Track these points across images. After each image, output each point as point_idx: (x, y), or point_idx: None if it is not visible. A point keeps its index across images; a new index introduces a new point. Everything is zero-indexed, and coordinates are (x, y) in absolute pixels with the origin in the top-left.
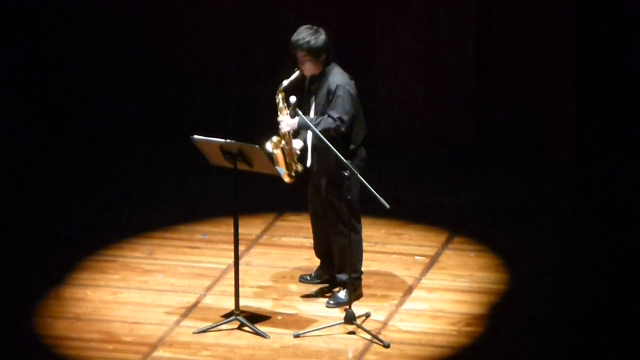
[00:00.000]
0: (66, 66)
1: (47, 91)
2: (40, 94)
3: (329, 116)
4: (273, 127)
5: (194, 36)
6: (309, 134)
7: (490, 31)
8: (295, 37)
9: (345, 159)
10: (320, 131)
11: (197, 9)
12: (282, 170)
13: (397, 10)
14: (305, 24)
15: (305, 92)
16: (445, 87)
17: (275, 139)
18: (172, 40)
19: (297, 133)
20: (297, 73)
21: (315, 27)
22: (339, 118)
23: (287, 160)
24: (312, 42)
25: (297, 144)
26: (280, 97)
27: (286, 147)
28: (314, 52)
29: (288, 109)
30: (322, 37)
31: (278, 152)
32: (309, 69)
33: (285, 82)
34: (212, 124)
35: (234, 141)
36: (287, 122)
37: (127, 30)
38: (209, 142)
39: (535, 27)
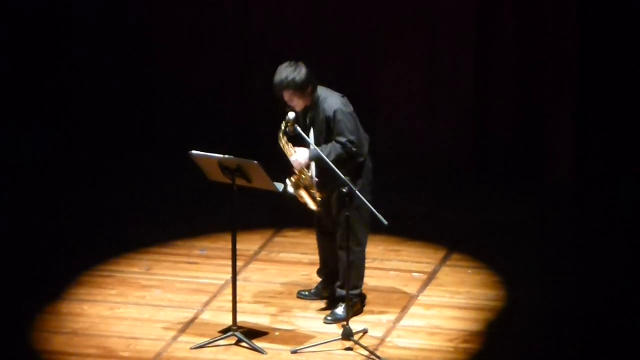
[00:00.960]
0: (67, 85)
1: (52, 107)
2: (43, 110)
3: (337, 142)
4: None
5: (197, 53)
6: (313, 165)
7: (489, 52)
8: (277, 78)
9: (355, 171)
10: (333, 158)
11: (203, 27)
12: (280, 185)
13: (397, 34)
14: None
15: (301, 126)
16: (445, 106)
17: (293, 178)
18: (175, 57)
19: (308, 165)
20: (290, 114)
21: (293, 62)
22: (348, 140)
23: (311, 191)
24: (297, 77)
25: (311, 171)
26: (283, 141)
27: (305, 181)
28: (300, 87)
29: (292, 146)
30: (303, 69)
31: (301, 191)
32: (299, 104)
33: (283, 126)
34: (211, 140)
35: (232, 157)
36: (299, 159)
37: (134, 41)
38: (208, 157)
39: (535, 46)
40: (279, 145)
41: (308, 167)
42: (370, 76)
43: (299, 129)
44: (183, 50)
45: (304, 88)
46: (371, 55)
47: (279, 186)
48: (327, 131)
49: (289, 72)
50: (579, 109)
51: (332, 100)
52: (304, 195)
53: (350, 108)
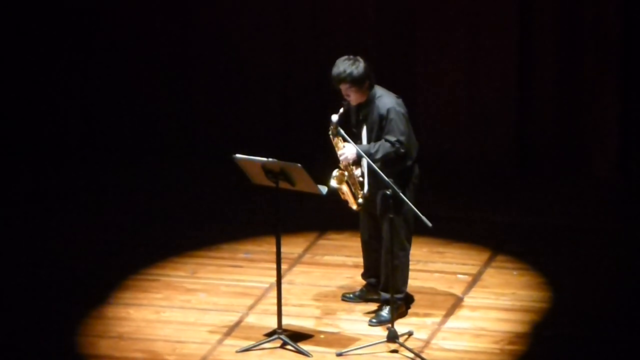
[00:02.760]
0: (108, 83)
1: (87, 109)
2: (79, 112)
3: (387, 140)
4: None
5: (238, 56)
6: (364, 160)
7: (533, 49)
8: (335, 70)
9: (402, 176)
10: (381, 156)
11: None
12: (324, 188)
13: (437, 28)
14: (346, 53)
15: (354, 121)
16: (487, 105)
17: (337, 172)
18: (216, 60)
19: (357, 162)
20: (344, 106)
21: (352, 57)
22: (397, 141)
23: (353, 190)
24: (354, 72)
25: (358, 171)
26: (332, 129)
27: (350, 178)
28: (357, 82)
29: (342, 141)
30: (361, 65)
31: (344, 187)
32: (355, 98)
33: (335, 117)
34: (256, 144)
35: (275, 160)
36: (347, 154)
37: (166, 46)
38: (251, 161)
39: (577, 44)
40: (329, 136)
41: (355, 164)
42: (409, 72)
43: (342, 132)
44: (225, 51)
45: (361, 83)
46: (411, 50)
47: (323, 189)
48: (378, 129)
49: (347, 65)
50: (624, 105)
51: (387, 100)
52: (346, 191)
53: (404, 109)
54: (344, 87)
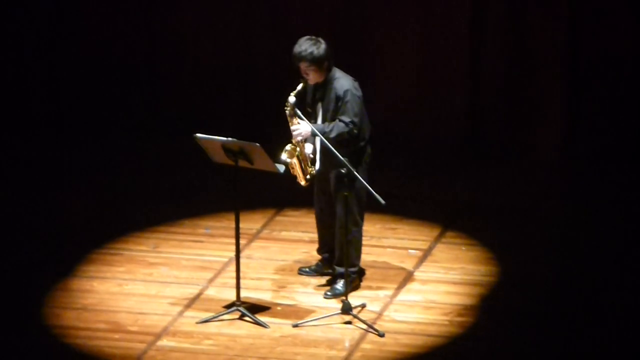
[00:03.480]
0: (78, 64)
1: (58, 88)
2: (51, 91)
3: (341, 121)
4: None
5: (201, 36)
6: (317, 139)
7: (483, 38)
8: (297, 49)
9: (355, 156)
10: (334, 136)
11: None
12: (281, 167)
13: (393, 17)
14: (306, 34)
15: (309, 100)
16: (439, 89)
17: (289, 147)
18: (179, 41)
19: (307, 139)
20: (302, 84)
21: (314, 38)
22: (351, 122)
23: (303, 165)
24: (315, 52)
25: (308, 148)
26: (289, 108)
27: (301, 154)
28: (317, 62)
29: (297, 117)
30: (322, 46)
31: (294, 161)
32: (313, 77)
33: (292, 94)
34: (215, 123)
35: (235, 139)
36: (300, 130)
37: (141, 28)
38: (212, 140)
39: (525, 35)
40: (285, 111)
41: (308, 142)
42: (366, 58)
43: (298, 112)
44: (186, 32)
45: (320, 63)
46: (367, 34)
47: (281, 168)
48: (334, 109)
49: (308, 45)
50: (568, 93)
51: (344, 81)
52: (296, 166)
53: (359, 92)
54: (303, 66)
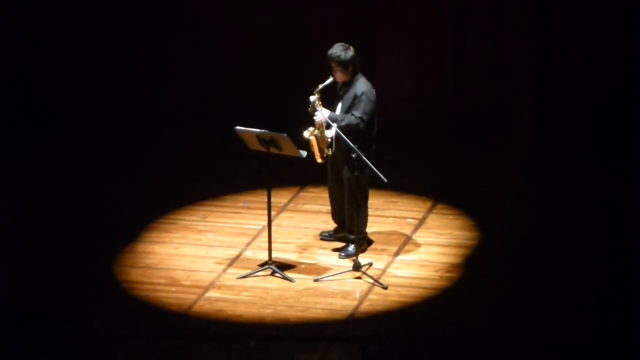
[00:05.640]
0: (133, 60)
1: (117, 83)
2: (110, 86)
3: (352, 114)
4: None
5: (236, 39)
6: (334, 128)
7: (466, 46)
8: (330, 51)
9: (364, 145)
10: (344, 125)
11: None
12: (304, 153)
13: (391, 34)
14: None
15: (336, 95)
16: (430, 91)
17: (311, 128)
18: (222, 42)
19: (329, 126)
20: (330, 79)
21: (346, 45)
22: (360, 117)
23: (320, 145)
24: (342, 56)
25: (329, 133)
26: (316, 97)
27: (319, 135)
28: (343, 64)
29: (321, 106)
30: (350, 53)
31: (312, 139)
32: (339, 77)
33: (320, 86)
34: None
35: (266, 130)
36: (319, 117)
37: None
38: (248, 132)
39: (499, 45)
40: (312, 99)
41: (327, 127)
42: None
43: (317, 109)
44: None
45: (345, 66)
46: (370, 44)
47: (303, 153)
48: (350, 105)
49: (339, 50)
50: (536, 91)
51: (364, 85)
52: (314, 144)
53: (374, 98)
54: (333, 65)
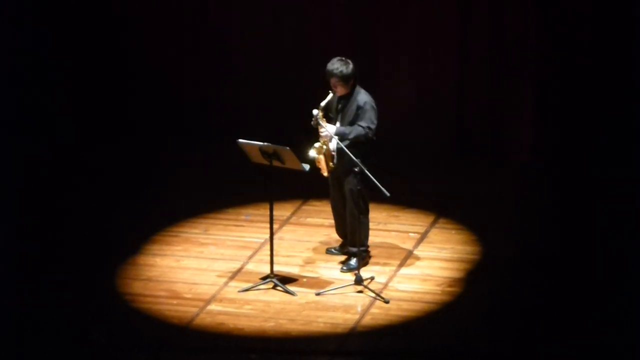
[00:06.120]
0: (139, 72)
1: (123, 96)
2: (112, 99)
3: (359, 125)
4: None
5: (245, 62)
6: (334, 142)
7: (468, 60)
8: (330, 66)
9: (366, 156)
10: (352, 137)
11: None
12: (307, 166)
13: (396, 43)
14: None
15: (334, 107)
16: (433, 103)
17: (317, 145)
18: (233, 56)
19: (331, 139)
20: (330, 95)
21: (345, 59)
22: (368, 127)
23: (326, 160)
24: (344, 70)
25: (332, 146)
26: (320, 114)
27: (327, 151)
28: (344, 79)
29: (325, 121)
30: (350, 66)
31: (321, 157)
32: (340, 91)
33: (323, 103)
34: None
35: (269, 144)
36: (326, 132)
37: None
38: (251, 144)
39: (502, 57)
40: (316, 116)
41: (330, 140)
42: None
43: (320, 122)
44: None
45: (347, 80)
46: (372, 56)
47: (306, 167)
48: (354, 117)
49: (339, 64)
50: (537, 106)
51: (365, 96)
52: (321, 160)
53: (375, 107)
54: (333, 80)
